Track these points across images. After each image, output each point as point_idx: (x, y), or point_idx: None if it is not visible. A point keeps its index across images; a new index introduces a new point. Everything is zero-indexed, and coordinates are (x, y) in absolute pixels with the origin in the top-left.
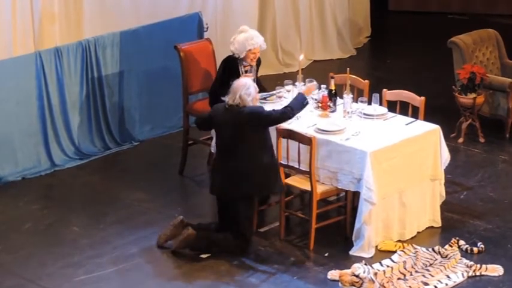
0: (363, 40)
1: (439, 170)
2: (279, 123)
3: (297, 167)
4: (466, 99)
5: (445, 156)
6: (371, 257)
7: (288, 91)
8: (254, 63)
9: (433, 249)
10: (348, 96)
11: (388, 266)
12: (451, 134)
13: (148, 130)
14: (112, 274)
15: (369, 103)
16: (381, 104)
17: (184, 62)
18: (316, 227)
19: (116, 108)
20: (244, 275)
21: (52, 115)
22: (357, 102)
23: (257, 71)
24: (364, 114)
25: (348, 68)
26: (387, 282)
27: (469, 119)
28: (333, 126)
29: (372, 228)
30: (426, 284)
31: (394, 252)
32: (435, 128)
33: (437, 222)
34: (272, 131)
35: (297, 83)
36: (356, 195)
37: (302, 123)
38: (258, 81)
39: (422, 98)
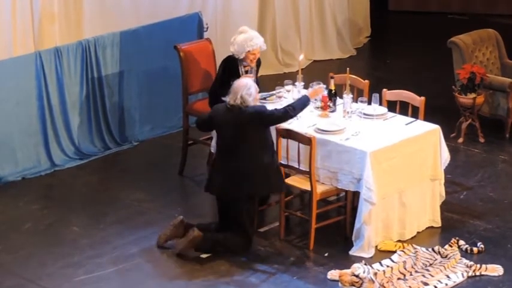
0: (362, 40)
1: (439, 170)
2: (281, 122)
3: (297, 167)
4: (466, 99)
5: (445, 156)
6: (371, 257)
7: (288, 91)
8: (254, 64)
9: (433, 249)
10: (347, 96)
11: (388, 266)
12: (451, 134)
13: (148, 130)
14: (112, 274)
15: (369, 103)
16: (380, 104)
17: (184, 62)
18: (316, 227)
19: (116, 108)
20: (244, 275)
21: (52, 115)
22: (356, 102)
23: (257, 71)
24: (364, 114)
25: (348, 68)
26: (387, 282)
27: (469, 119)
28: (332, 126)
29: (371, 228)
30: (426, 284)
31: (394, 252)
32: (435, 128)
33: (437, 222)
34: (272, 130)
35: (296, 83)
36: (356, 195)
37: (302, 123)
38: (257, 82)
39: (422, 98)
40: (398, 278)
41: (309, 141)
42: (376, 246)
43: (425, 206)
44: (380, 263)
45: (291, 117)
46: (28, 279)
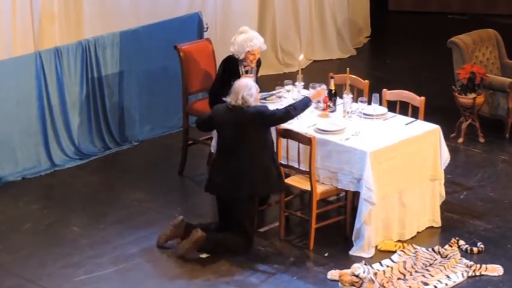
0: (362, 40)
1: (439, 170)
2: (282, 122)
3: (297, 167)
4: (465, 99)
5: (445, 156)
6: (371, 257)
7: (288, 91)
8: (253, 65)
9: (433, 249)
10: (347, 96)
11: (388, 266)
12: (451, 134)
13: (148, 130)
14: (112, 274)
15: (369, 103)
16: (380, 104)
17: (184, 62)
18: (316, 227)
19: (115, 108)
20: (244, 275)
21: (52, 115)
22: (356, 102)
23: (257, 72)
24: (364, 114)
25: (348, 68)
26: (387, 282)
27: (468, 119)
28: (332, 126)
29: (371, 228)
30: (426, 284)
31: (394, 252)
32: (435, 128)
33: (437, 222)
34: (272, 130)
35: (296, 83)
36: (356, 195)
37: (302, 123)
38: (257, 82)
39: (422, 98)
40: (398, 278)
41: (309, 141)
42: (376, 246)
43: (425, 206)
44: (380, 263)
45: (292, 117)
46: (28, 279)
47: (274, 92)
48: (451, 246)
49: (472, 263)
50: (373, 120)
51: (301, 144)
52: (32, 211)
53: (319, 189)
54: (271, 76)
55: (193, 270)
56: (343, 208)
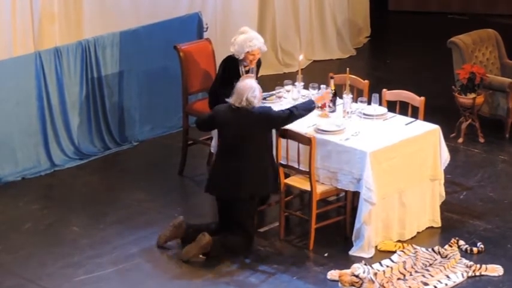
0: (362, 40)
1: (438, 170)
2: (286, 124)
3: (297, 167)
4: (465, 99)
5: (445, 156)
6: (371, 257)
7: (288, 91)
8: (253, 65)
9: (433, 250)
10: (347, 96)
11: (387, 266)
12: (450, 134)
13: (148, 130)
14: (112, 274)
15: (369, 103)
16: (380, 104)
17: (184, 62)
18: (315, 227)
19: (115, 108)
20: (244, 275)
21: (52, 115)
22: (356, 102)
23: (257, 72)
24: (364, 114)
25: (348, 68)
26: (387, 282)
27: (468, 119)
28: (332, 126)
29: (371, 229)
30: (426, 284)
31: (394, 252)
32: (435, 128)
33: (437, 223)
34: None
35: (296, 83)
36: (356, 195)
37: (302, 123)
38: (258, 82)
39: (422, 98)
40: (398, 278)
41: (308, 141)
42: (376, 247)
43: (425, 206)
44: (380, 263)
45: (296, 118)
46: (28, 279)
47: (274, 92)
48: (451, 246)
49: (471, 263)
50: (373, 120)
51: (301, 144)
52: (32, 211)
53: (319, 189)
54: (271, 76)
55: (193, 270)
56: (343, 208)
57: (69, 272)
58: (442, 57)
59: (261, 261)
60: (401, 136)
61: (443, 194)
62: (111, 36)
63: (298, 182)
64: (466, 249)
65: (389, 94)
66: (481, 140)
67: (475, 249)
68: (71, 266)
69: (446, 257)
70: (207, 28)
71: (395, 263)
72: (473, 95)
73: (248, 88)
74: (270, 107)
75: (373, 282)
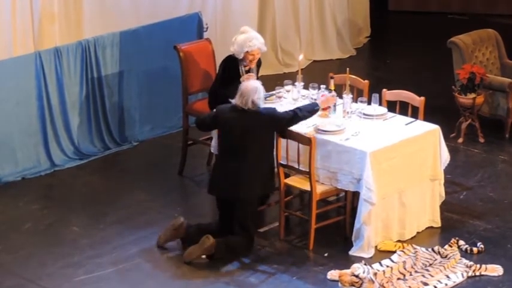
0: (362, 40)
1: (438, 170)
2: (290, 126)
3: (297, 167)
4: (465, 99)
5: (445, 156)
6: (370, 257)
7: (288, 91)
8: (253, 65)
9: (433, 249)
10: (347, 96)
11: (387, 266)
12: (450, 134)
13: (148, 130)
14: (112, 274)
15: (369, 103)
16: (380, 104)
17: (183, 62)
18: (315, 227)
19: (115, 108)
20: (244, 275)
21: (52, 115)
22: (356, 102)
23: (258, 72)
24: (364, 114)
25: (348, 68)
26: (387, 282)
27: (468, 119)
28: (332, 127)
29: (371, 229)
30: (426, 284)
31: (394, 252)
32: (435, 128)
33: (437, 223)
34: None
35: (296, 83)
36: (356, 195)
37: (302, 123)
38: None
39: (422, 98)
40: (398, 278)
41: (308, 142)
42: (376, 247)
43: (425, 206)
44: (380, 263)
45: (300, 120)
46: (28, 279)
47: (274, 92)
48: (450, 246)
49: (471, 263)
50: (373, 121)
51: (301, 145)
52: (32, 211)
53: (319, 189)
54: (271, 76)
55: (193, 270)
56: (343, 208)
57: (69, 272)
58: (442, 57)
59: (261, 261)
60: (401, 136)
61: (443, 194)
62: (111, 36)
63: (298, 182)
64: (466, 249)
65: (389, 94)
66: (481, 140)
67: (475, 249)
68: (71, 266)
69: (446, 257)
70: (207, 28)
71: (395, 263)
72: (473, 95)
73: (253, 90)
74: (274, 108)
75: (373, 282)
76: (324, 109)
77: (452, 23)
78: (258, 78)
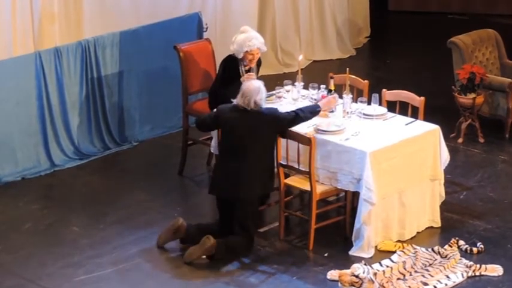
0: (362, 40)
1: (438, 170)
2: (292, 126)
3: (297, 167)
4: (465, 99)
5: (445, 156)
6: (370, 257)
7: (288, 91)
8: (253, 65)
9: (433, 250)
10: (347, 97)
11: (387, 266)
12: (450, 134)
13: (148, 130)
14: (112, 274)
15: (369, 103)
16: (380, 104)
17: (183, 62)
18: (315, 227)
19: (115, 108)
20: (244, 275)
21: (52, 115)
22: (356, 102)
23: (258, 72)
24: (364, 114)
25: (348, 68)
26: (387, 282)
27: (468, 119)
28: (332, 126)
29: (371, 229)
30: (426, 284)
31: (394, 252)
32: (435, 128)
33: (437, 223)
34: None
35: (296, 83)
36: (356, 195)
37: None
38: None
39: (422, 98)
40: (398, 278)
41: (308, 142)
42: (376, 247)
43: (425, 206)
44: (380, 263)
45: (301, 120)
46: (28, 279)
47: (274, 92)
48: (450, 246)
49: (471, 263)
50: (373, 121)
51: (300, 145)
52: (32, 211)
53: (319, 189)
54: (271, 76)
55: (193, 270)
56: (343, 208)
57: (69, 272)
58: (442, 57)
59: (261, 261)
60: (401, 136)
61: (443, 194)
62: (111, 36)
63: (298, 182)
64: (466, 249)
65: (389, 94)
66: (481, 140)
67: (474, 249)
68: (71, 266)
69: (446, 257)
70: (206, 28)
71: (395, 263)
72: (473, 95)
73: (255, 90)
74: (276, 109)
75: (373, 282)
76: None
77: (452, 23)
78: (258, 78)
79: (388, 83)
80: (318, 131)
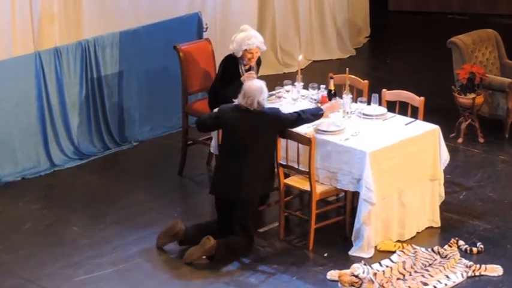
0: (362, 40)
1: (438, 170)
2: (294, 127)
3: (296, 167)
4: (465, 99)
5: (445, 156)
6: (370, 257)
7: (287, 91)
8: (252, 64)
9: (433, 250)
10: (347, 97)
11: (387, 266)
12: (450, 134)
13: (148, 130)
14: (112, 274)
15: (368, 103)
16: (380, 104)
17: (183, 62)
18: (315, 227)
19: (115, 108)
20: (244, 275)
21: (52, 115)
22: (356, 102)
23: (257, 71)
24: (364, 114)
25: (347, 68)
26: (386, 282)
27: (468, 119)
28: (332, 127)
29: (371, 229)
30: (425, 284)
31: (394, 252)
32: (434, 128)
33: (437, 223)
34: None
35: (296, 83)
36: (355, 195)
37: None
38: None
39: (422, 98)
40: (398, 278)
41: (308, 142)
42: (376, 247)
43: (425, 206)
44: (379, 263)
45: (303, 122)
46: (28, 279)
47: (273, 92)
48: (450, 246)
49: (471, 263)
50: (373, 121)
51: (300, 145)
52: (32, 211)
53: (319, 189)
54: (271, 76)
55: (193, 270)
56: (343, 208)
57: (69, 272)
58: (442, 57)
59: (260, 262)
60: (401, 136)
61: (443, 194)
62: (111, 37)
63: (297, 182)
64: (465, 249)
65: (389, 94)
66: (481, 140)
67: (474, 249)
68: (71, 266)
69: (446, 257)
70: (206, 28)
71: (395, 263)
72: (473, 95)
73: (258, 90)
74: (278, 109)
75: (373, 282)
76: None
77: (452, 23)
78: (258, 78)
79: (388, 83)
80: (318, 131)
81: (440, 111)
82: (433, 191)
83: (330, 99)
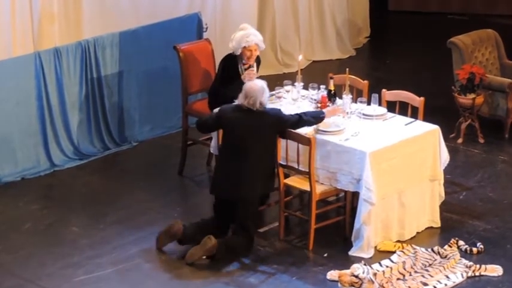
0: (362, 40)
1: (438, 170)
2: (295, 128)
3: (296, 167)
4: (465, 99)
5: (445, 156)
6: (370, 258)
7: (287, 91)
8: (251, 62)
9: (433, 250)
10: (347, 97)
11: (387, 267)
12: (450, 135)
13: (148, 130)
14: (112, 274)
15: (368, 103)
16: (380, 105)
17: (183, 62)
18: (315, 227)
19: (115, 108)
20: (244, 275)
21: (51, 115)
22: (356, 102)
23: (257, 70)
24: (364, 114)
25: (347, 69)
26: (386, 282)
27: (468, 119)
28: (332, 127)
29: (371, 229)
30: (425, 284)
31: (393, 252)
32: (434, 128)
33: (437, 223)
34: None
35: (296, 84)
36: (355, 195)
37: None
38: None
39: (422, 98)
40: (398, 279)
41: (308, 142)
42: (376, 247)
43: (425, 207)
44: (379, 263)
45: (304, 124)
46: (28, 280)
47: (273, 92)
48: (450, 246)
49: (471, 263)
50: (373, 121)
51: (300, 145)
52: (32, 211)
53: (319, 189)
54: (271, 76)
55: (193, 270)
56: (343, 208)
57: (68, 272)
58: (442, 57)
59: (260, 262)
60: (401, 136)
61: (443, 194)
62: (110, 37)
63: (297, 182)
64: (465, 249)
65: (389, 94)
66: (481, 140)
67: (474, 250)
68: (71, 266)
69: (445, 257)
70: (206, 28)
71: (395, 263)
72: (472, 95)
73: (260, 90)
74: (279, 109)
75: (373, 282)
76: (322, 107)
77: (452, 23)
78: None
79: (387, 83)
80: (318, 131)
81: (440, 111)
82: (433, 191)
83: (329, 100)
